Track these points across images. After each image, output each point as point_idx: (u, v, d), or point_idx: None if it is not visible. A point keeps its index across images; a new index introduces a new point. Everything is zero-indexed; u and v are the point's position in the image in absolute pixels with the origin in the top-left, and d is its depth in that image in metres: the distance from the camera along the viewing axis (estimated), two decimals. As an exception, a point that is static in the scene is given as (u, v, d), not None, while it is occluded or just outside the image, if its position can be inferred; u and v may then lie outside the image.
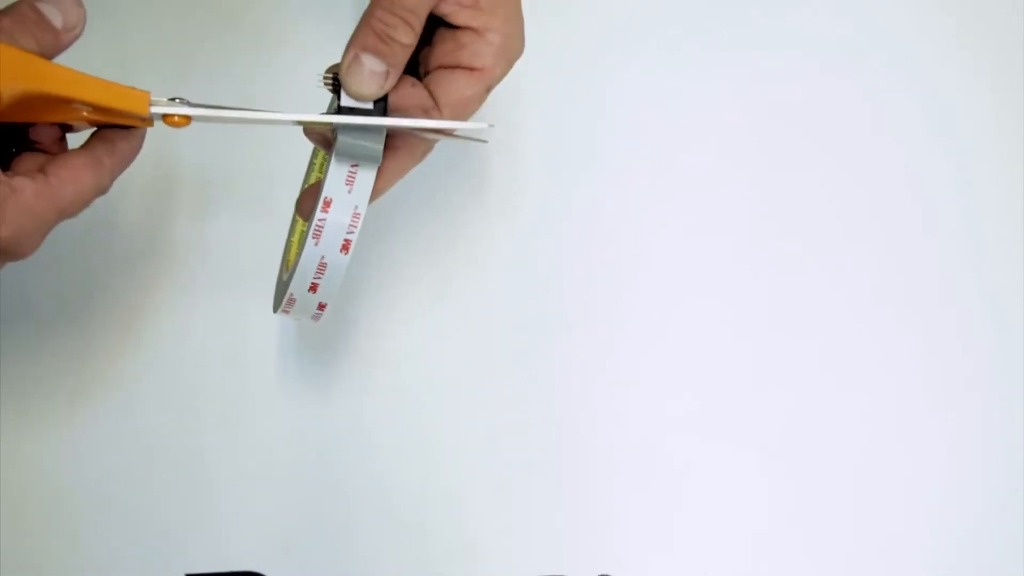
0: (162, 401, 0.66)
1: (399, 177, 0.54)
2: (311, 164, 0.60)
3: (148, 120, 0.50)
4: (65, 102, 0.48)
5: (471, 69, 0.53)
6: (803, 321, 0.70)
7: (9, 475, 0.64)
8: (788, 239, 0.71)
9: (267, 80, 0.69)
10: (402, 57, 0.51)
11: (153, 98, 0.50)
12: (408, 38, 0.51)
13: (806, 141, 0.72)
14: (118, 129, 0.50)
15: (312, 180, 0.60)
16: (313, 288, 0.53)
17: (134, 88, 0.50)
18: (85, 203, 0.50)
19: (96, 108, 0.49)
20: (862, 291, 0.71)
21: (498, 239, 0.70)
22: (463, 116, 0.53)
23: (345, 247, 0.52)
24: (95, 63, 0.50)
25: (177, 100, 0.50)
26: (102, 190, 0.50)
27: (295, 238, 0.60)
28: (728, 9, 0.74)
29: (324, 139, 0.54)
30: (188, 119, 0.50)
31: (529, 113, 0.71)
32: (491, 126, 0.54)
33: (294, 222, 0.61)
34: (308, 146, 0.57)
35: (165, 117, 0.50)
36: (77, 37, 0.49)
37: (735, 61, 0.73)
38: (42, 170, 0.48)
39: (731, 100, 0.72)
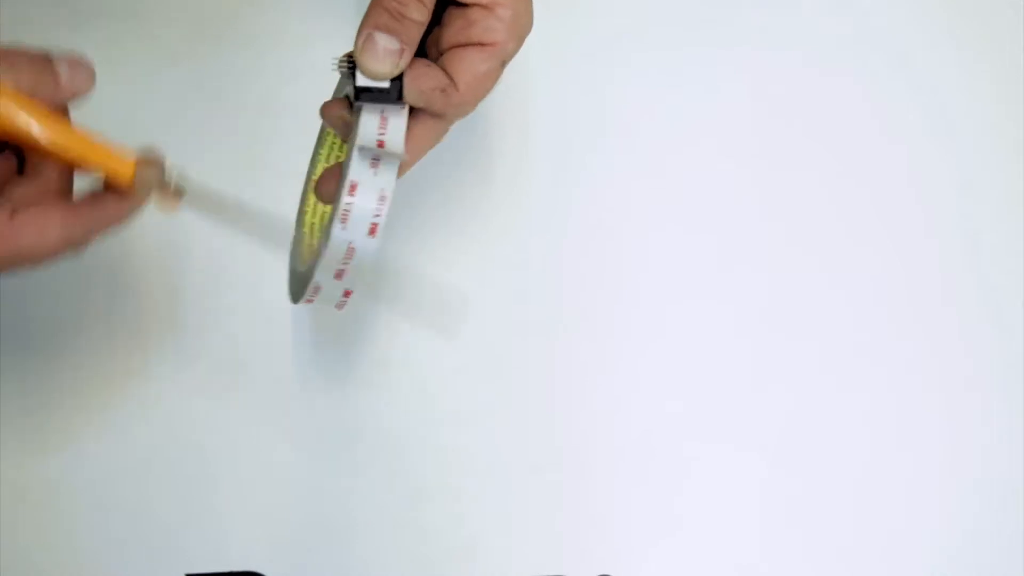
0: (161, 401, 0.66)
1: (421, 155, 0.54)
2: (316, 154, 0.60)
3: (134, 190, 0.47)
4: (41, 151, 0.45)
5: (483, 45, 0.53)
6: (803, 321, 0.70)
7: (9, 475, 0.64)
8: (788, 239, 0.71)
9: (266, 80, 0.69)
10: (415, 34, 0.51)
11: (147, 156, 0.47)
12: (420, 15, 0.51)
13: (806, 141, 0.72)
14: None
15: (318, 171, 0.59)
16: (339, 275, 0.52)
17: (123, 157, 0.47)
18: (49, 254, 0.46)
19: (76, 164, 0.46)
20: (862, 291, 0.70)
21: (497, 238, 0.70)
22: (480, 93, 0.53)
23: (373, 231, 0.51)
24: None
25: (175, 174, 0.49)
26: (72, 244, 0.47)
27: (306, 229, 0.59)
28: (728, 9, 0.74)
29: (344, 123, 0.54)
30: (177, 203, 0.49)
31: (528, 113, 0.71)
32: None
33: (301, 214, 0.60)
34: (310, 139, 0.57)
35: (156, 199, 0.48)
36: (76, 98, 0.47)
37: (735, 61, 0.73)
38: (11, 201, 0.46)
39: (731, 99, 0.72)
